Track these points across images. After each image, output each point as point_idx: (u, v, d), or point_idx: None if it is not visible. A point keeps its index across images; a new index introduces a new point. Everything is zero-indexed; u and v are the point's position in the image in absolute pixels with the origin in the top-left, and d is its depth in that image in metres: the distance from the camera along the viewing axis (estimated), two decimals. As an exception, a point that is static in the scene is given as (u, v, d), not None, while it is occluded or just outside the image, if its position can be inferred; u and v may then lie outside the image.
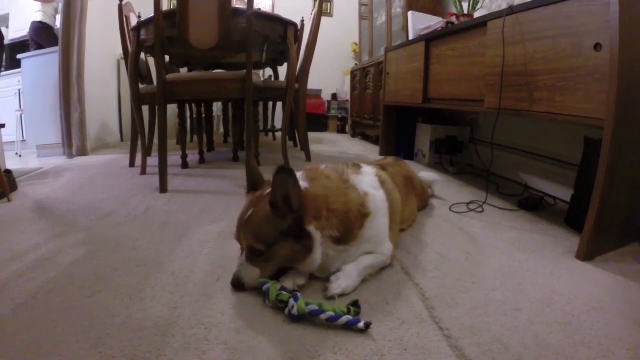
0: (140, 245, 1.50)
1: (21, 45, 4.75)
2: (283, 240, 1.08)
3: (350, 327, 0.95)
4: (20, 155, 4.19)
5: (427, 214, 1.92)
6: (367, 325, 0.94)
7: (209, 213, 1.91)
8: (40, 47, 4.17)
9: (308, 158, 3.34)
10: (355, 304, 1.02)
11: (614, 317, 1.03)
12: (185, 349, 0.89)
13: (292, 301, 0.99)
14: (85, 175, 2.83)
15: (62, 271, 1.27)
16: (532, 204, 2.00)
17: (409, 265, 1.33)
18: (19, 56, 4.12)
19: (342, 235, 1.15)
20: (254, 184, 1.24)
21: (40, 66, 3.98)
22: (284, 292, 1.04)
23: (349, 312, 0.98)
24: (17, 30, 4.98)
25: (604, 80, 1.33)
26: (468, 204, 2.05)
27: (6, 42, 4.92)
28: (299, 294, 1.02)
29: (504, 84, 1.86)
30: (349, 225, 1.17)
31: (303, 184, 1.14)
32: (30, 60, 4.06)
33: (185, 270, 1.29)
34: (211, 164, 3.22)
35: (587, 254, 1.39)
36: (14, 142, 4.37)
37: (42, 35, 4.26)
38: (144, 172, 2.80)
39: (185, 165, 2.99)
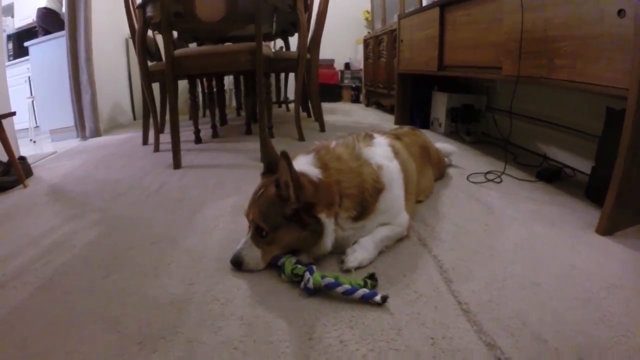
0: (154, 223, 1.51)
1: (28, 33, 4.75)
2: (287, 225, 1.06)
3: (366, 300, 0.93)
4: (34, 141, 4.24)
5: (444, 184, 1.88)
6: (384, 299, 0.93)
7: (223, 187, 1.90)
8: (47, 33, 4.15)
9: (322, 129, 3.30)
10: (372, 276, 1.00)
11: (634, 295, 0.99)
12: (201, 325, 0.89)
13: (307, 274, 0.97)
14: (98, 156, 2.84)
15: (78, 253, 1.29)
16: (550, 175, 1.94)
17: (426, 237, 1.31)
18: (26, 43, 4.13)
19: (358, 213, 1.14)
20: (270, 165, 1.19)
21: (48, 52, 3.99)
22: (300, 266, 1.03)
23: (365, 285, 0.97)
24: (22, 19, 4.97)
25: (628, 48, 1.24)
26: (486, 174, 2.00)
27: (12, 31, 4.95)
28: (314, 267, 1.00)
29: (522, 50, 1.78)
30: (364, 203, 1.15)
31: (314, 170, 1.12)
32: (37, 47, 4.07)
33: (200, 246, 1.29)
34: (224, 138, 3.21)
35: (607, 229, 1.33)
36: (27, 128, 4.42)
37: (48, 21, 4.24)
38: (157, 149, 2.80)
39: (198, 140, 2.98)
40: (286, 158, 0.98)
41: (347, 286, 0.94)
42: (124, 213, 1.64)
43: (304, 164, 1.15)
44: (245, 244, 1.11)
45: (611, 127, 1.62)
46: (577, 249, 1.22)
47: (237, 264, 1.11)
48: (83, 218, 1.60)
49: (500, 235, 1.33)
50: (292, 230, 1.06)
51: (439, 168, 1.92)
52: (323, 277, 0.96)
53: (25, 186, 2.12)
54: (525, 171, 2.06)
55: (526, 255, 1.19)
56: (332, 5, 3.37)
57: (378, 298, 0.92)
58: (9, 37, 5.11)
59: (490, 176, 1.96)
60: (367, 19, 6.21)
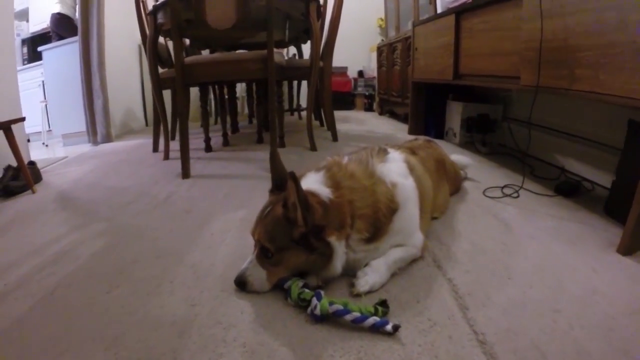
0: (160, 235, 1.48)
1: (42, 38, 4.80)
2: (294, 248, 1.01)
3: (377, 329, 0.88)
4: (46, 145, 4.28)
5: (459, 199, 1.82)
6: (396, 328, 0.87)
7: (232, 198, 1.86)
8: (61, 38, 4.19)
9: (334, 138, 3.25)
10: (384, 303, 0.94)
11: (657, 323, 0.93)
12: (202, 351, 0.85)
13: (314, 300, 0.92)
14: (108, 162, 2.84)
15: (82, 264, 1.26)
16: (569, 189, 1.86)
17: (441, 257, 1.25)
18: (39, 48, 4.17)
19: (371, 235, 1.09)
20: (278, 182, 1.13)
21: (61, 57, 4.01)
22: (307, 290, 0.97)
23: (376, 313, 0.91)
24: (37, 23, 5.03)
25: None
26: (502, 187, 1.93)
27: (27, 35, 5.02)
28: (322, 292, 0.95)
29: (541, 59, 1.71)
30: (378, 224, 1.09)
31: (325, 190, 1.06)
32: (51, 52, 4.10)
33: (205, 263, 1.24)
34: (235, 146, 3.18)
35: (628, 249, 1.26)
36: (40, 132, 4.45)
37: (62, 27, 4.27)
38: (166, 157, 2.78)
39: (208, 148, 2.96)
40: (294, 180, 0.93)
41: (356, 314, 0.89)
42: (131, 223, 1.61)
43: (314, 182, 1.09)
44: (250, 264, 1.06)
45: (633, 140, 1.55)
46: (598, 271, 1.16)
47: (241, 284, 1.06)
48: (89, 227, 1.58)
49: (518, 255, 1.27)
50: (300, 253, 1.01)
51: (455, 182, 1.85)
52: (331, 303, 0.91)
53: (33, 192, 2.12)
54: (542, 184, 1.99)
55: (545, 278, 1.13)
56: (346, 13, 3.32)
57: (389, 327, 0.87)
58: (24, 41, 5.19)
59: (507, 190, 1.90)
60: (380, 26, 6.16)
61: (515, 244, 1.35)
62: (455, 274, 1.15)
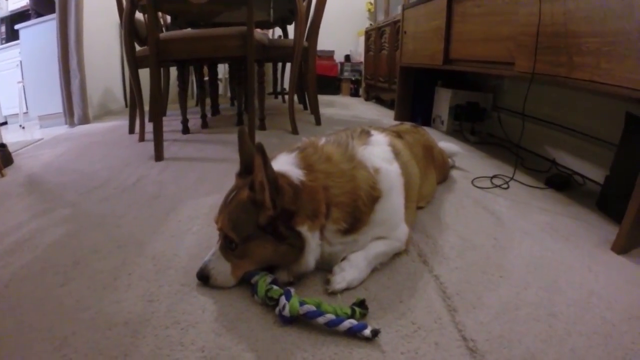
0: (124, 222, 1.37)
1: (21, 16, 4.59)
2: (261, 237, 0.89)
3: (354, 333, 0.78)
4: (23, 127, 4.12)
5: (447, 188, 1.73)
6: (375, 333, 0.77)
7: (204, 183, 1.76)
8: (40, 16, 3.99)
9: (318, 122, 3.16)
10: (362, 304, 0.84)
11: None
12: (155, 355, 0.75)
13: (283, 299, 0.82)
14: (82, 144, 2.71)
15: (40, 254, 1.17)
16: (560, 182, 1.80)
17: (427, 252, 1.15)
18: (16, 26, 3.98)
19: (349, 225, 0.97)
20: (246, 165, 1.01)
21: (39, 35, 3.83)
22: (275, 287, 0.87)
23: (353, 314, 0.81)
24: (16, 1, 4.80)
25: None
26: (492, 178, 1.85)
27: (5, 13, 4.81)
28: (292, 290, 0.85)
29: (538, 45, 1.62)
30: (357, 213, 0.98)
31: (297, 172, 0.94)
32: (28, 30, 3.92)
33: (168, 253, 1.14)
34: (214, 129, 3.07)
35: (624, 247, 1.21)
36: (17, 114, 4.28)
37: (41, 4, 4.07)
38: (142, 138, 2.65)
39: (185, 130, 2.84)
40: (261, 153, 0.81)
41: (330, 316, 0.78)
42: (95, 209, 1.50)
43: (285, 163, 0.97)
44: (213, 256, 0.95)
45: (631, 134, 1.49)
46: (595, 271, 1.09)
47: (204, 278, 0.95)
48: (53, 213, 1.47)
49: (511, 251, 1.18)
50: (267, 243, 0.90)
51: (443, 170, 1.76)
52: (302, 303, 0.80)
53: (2, 175, 2.01)
54: (533, 177, 1.92)
55: (541, 278, 1.05)
56: (335, -4, 3.23)
57: (367, 332, 0.77)
58: (2, 19, 4.96)
59: (496, 181, 1.82)
60: (369, 10, 6.04)
61: (508, 239, 1.26)
62: (442, 270, 1.05)
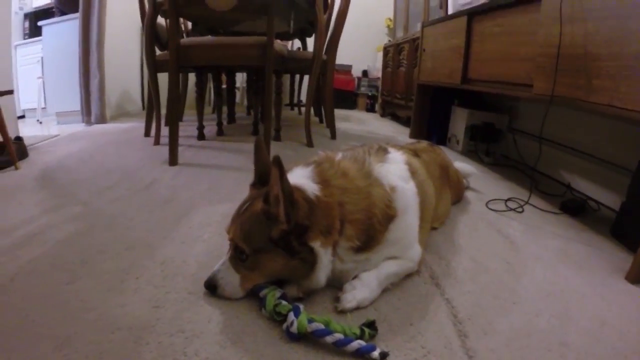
0: (135, 225, 1.36)
1: (45, 13, 4.66)
2: (272, 250, 0.88)
3: (362, 355, 0.76)
4: (40, 122, 4.17)
5: (461, 209, 1.71)
6: (384, 356, 0.75)
7: (217, 190, 1.75)
8: (63, 14, 4.05)
9: (333, 136, 3.15)
10: (372, 325, 0.82)
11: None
12: (158, 363, 0.73)
13: (291, 315, 0.80)
14: (98, 143, 2.73)
15: (48, 250, 1.16)
16: (575, 208, 1.77)
17: (440, 274, 1.13)
18: (39, 23, 4.03)
19: (363, 243, 0.95)
20: (261, 176, 1.00)
21: (61, 33, 3.88)
22: (284, 302, 0.85)
23: (362, 335, 0.79)
24: (40, -2, 4.89)
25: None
26: (506, 201, 1.83)
27: (30, 10, 4.89)
28: (301, 307, 0.83)
29: (557, 67, 1.60)
30: (371, 232, 0.96)
31: (312, 186, 0.93)
32: (51, 27, 3.97)
33: (177, 260, 1.12)
34: (229, 137, 3.07)
35: (638, 277, 1.18)
36: (35, 109, 4.33)
37: (65, 2, 4.13)
38: (157, 142, 2.66)
39: (201, 136, 2.84)
40: (279, 165, 0.80)
41: (339, 335, 0.76)
42: (106, 209, 1.50)
43: (300, 176, 0.96)
44: (222, 266, 0.94)
45: None
46: (608, 300, 1.07)
47: (212, 287, 0.94)
48: (64, 210, 1.47)
49: (524, 277, 1.15)
50: (278, 257, 0.88)
51: (458, 191, 1.74)
52: (311, 320, 0.79)
53: (17, 168, 2.02)
54: (547, 201, 1.89)
55: (553, 305, 1.02)
56: (354, 11, 3.23)
57: (376, 354, 0.74)
58: (26, 15, 5.04)
59: (511, 204, 1.79)
60: (388, 26, 6.06)
61: (521, 264, 1.24)
62: (454, 293, 1.03)
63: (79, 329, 0.82)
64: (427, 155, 1.44)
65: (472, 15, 2.47)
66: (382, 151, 1.15)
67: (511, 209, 1.74)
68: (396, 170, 1.08)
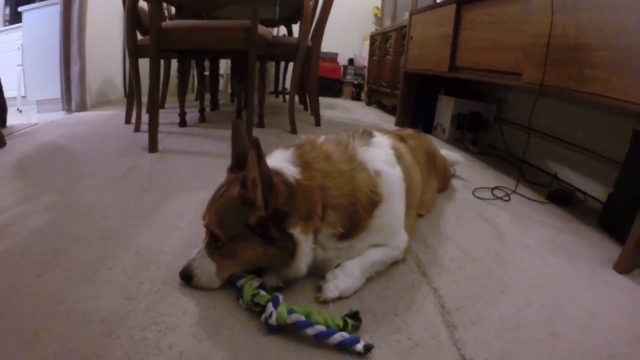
0: (110, 213, 1.31)
1: (26, -1, 4.54)
2: (249, 237, 0.83)
3: (345, 347, 0.72)
4: (20, 111, 4.06)
5: (447, 197, 1.68)
6: (368, 348, 0.71)
7: (196, 177, 1.71)
8: (45, -1, 3.95)
9: (317, 123, 3.12)
10: (355, 315, 0.78)
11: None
12: (129, 358, 0.70)
13: (270, 306, 0.76)
14: (77, 131, 2.65)
15: (20, 241, 1.10)
16: (562, 198, 1.77)
17: (426, 262, 1.10)
18: (20, 8, 3.91)
19: (346, 230, 0.91)
20: (239, 160, 0.94)
21: (42, 19, 3.77)
22: (262, 292, 0.81)
23: (345, 326, 0.75)
24: (22, -17, 4.76)
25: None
26: (493, 189, 1.81)
27: (11, -5, 4.77)
28: (280, 297, 0.78)
29: (548, 56, 1.58)
30: (355, 218, 0.92)
31: (292, 169, 0.88)
32: (31, 13, 3.86)
33: (153, 249, 1.07)
34: (211, 123, 3.01)
35: (626, 267, 1.19)
36: (15, 97, 4.21)
37: None
38: (137, 129, 2.59)
39: (182, 123, 2.79)
40: (257, 148, 0.75)
41: (321, 327, 0.72)
42: (82, 198, 1.44)
43: (280, 159, 0.91)
44: (198, 254, 0.89)
45: (637, 152, 1.45)
46: (597, 290, 1.07)
47: (187, 277, 0.89)
48: (38, 199, 1.41)
49: (513, 266, 1.14)
50: (256, 244, 0.83)
51: (444, 178, 1.71)
52: (291, 311, 0.74)
53: (-7, 158, 1.94)
54: (534, 190, 1.89)
55: (542, 295, 1.01)
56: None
57: (360, 346, 0.71)
58: (7, 1, 4.90)
59: (497, 192, 1.77)
60: (376, 15, 6.03)
61: (509, 253, 1.22)
62: (441, 283, 1.00)
63: (49, 322, 0.77)
64: (414, 142, 1.40)
65: (461, 3, 2.45)
66: (367, 135, 1.11)
67: (498, 197, 1.73)
68: (381, 155, 1.04)
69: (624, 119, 1.70)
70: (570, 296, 1.02)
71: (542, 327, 0.87)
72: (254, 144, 0.75)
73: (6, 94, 2.87)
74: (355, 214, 0.91)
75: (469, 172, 2.10)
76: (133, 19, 2.36)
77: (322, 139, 1.04)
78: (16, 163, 1.86)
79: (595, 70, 1.37)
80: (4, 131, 2.32)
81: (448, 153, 1.94)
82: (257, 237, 0.83)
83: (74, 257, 1.02)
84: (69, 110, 3.61)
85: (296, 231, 0.83)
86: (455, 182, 1.89)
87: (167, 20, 3.42)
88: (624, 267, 1.18)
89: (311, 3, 2.73)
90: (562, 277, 1.12)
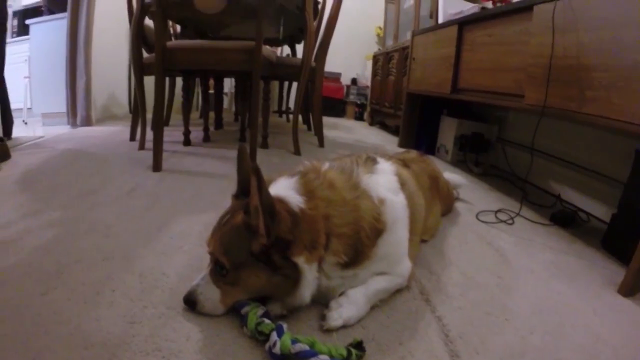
0: (113, 233, 1.31)
1: (34, 11, 4.60)
2: (254, 265, 0.83)
3: (348, 377, 0.71)
4: (26, 123, 4.08)
5: (451, 221, 1.68)
6: (372, 379, 0.71)
7: (200, 199, 1.70)
8: (52, 13, 3.99)
9: (321, 144, 3.13)
10: (359, 345, 0.78)
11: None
12: (132, 384, 0.68)
13: (274, 335, 0.76)
14: (82, 146, 2.66)
15: (23, 258, 1.10)
16: (565, 219, 1.76)
17: (430, 289, 1.09)
18: (27, 21, 3.97)
19: (350, 259, 0.91)
20: (243, 185, 0.94)
21: (49, 32, 3.82)
22: (267, 321, 0.80)
23: (349, 356, 0.75)
24: (30, -4, 4.82)
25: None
26: (496, 212, 1.81)
27: (19, 8, 4.83)
28: (284, 326, 0.78)
29: (550, 78, 1.59)
30: (359, 246, 0.91)
31: (297, 198, 0.88)
32: (38, 26, 3.91)
33: (156, 272, 1.07)
34: (216, 143, 3.02)
35: (631, 290, 1.18)
36: (22, 109, 4.24)
37: (54, 1, 4.07)
38: (142, 147, 2.60)
39: (187, 142, 2.79)
40: (257, 175, 0.75)
41: (325, 357, 0.72)
42: (86, 215, 1.44)
43: (284, 187, 0.91)
44: (202, 280, 0.89)
45: None
46: (601, 314, 1.06)
47: (191, 303, 0.89)
48: (42, 215, 1.41)
49: (516, 291, 1.13)
50: (261, 272, 0.83)
51: (448, 202, 1.71)
52: (295, 341, 0.74)
53: (-2, 170, 1.95)
54: (537, 212, 1.89)
55: (546, 321, 1.00)
56: (344, 19, 3.22)
57: (364, 377, 0.71)
58: (15, 13, 4.97)
59: (501, 215, 1.77)
60: (378, 35, 6.07)
61: (513, 278, 1.22)
62: (445, 310, 0.99)
63: (51, 343, 0.77)
64: (417, 166, 1.41)
65: (462, 24, 2.47)
66: (371, 161, 1.11)
67: (501, 221, 1.72)
68: (385, 182, 1.04)
69: (627, 139, 1.71)
70: (574, 321, 1.01)
71: (546, 354, 0.87)
72: (254, 170, 0.76)
73: (12, 106, 2.90)
74: (359, 243, 0.91)
75: (472, 194, 2.10)
76: (139, 36, 2.38)
77: (326, 166, 1.04)
78: (20, 177, 1.87)
79: (596, 91, 1.38)
80: (9, 143, 2.33)
81: (451, 176, 1.94)
82: (262, 264, 0.83)
83: (78, 277, 1.02)
84: (74, 124, 3.63)
85: (300, 260, 0.83)
86: (459, 205, 1.89)
87: (172, 38, 3.46)
88: (628, 289, 1.17)
89: (315, 23, 2.76)
90: (566, 301, 1.11)
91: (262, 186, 0.77)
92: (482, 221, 1.71)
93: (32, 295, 0.92)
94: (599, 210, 1.86)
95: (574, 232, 1.67)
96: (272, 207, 0.80)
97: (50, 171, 2.00)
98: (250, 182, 0.81)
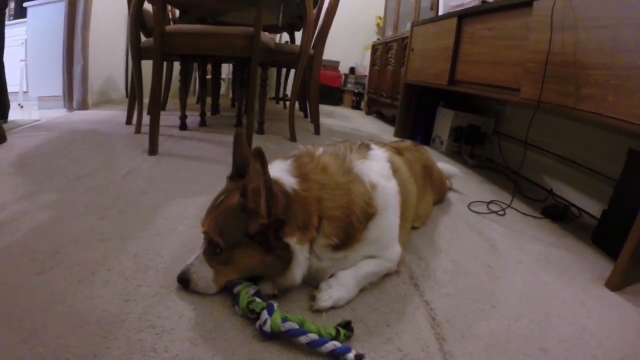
0: (109, 215, 1.32)
1: (32, -6, 4.56)
2: (248, 245, 0.85)
3: (336, 356, 0.74)
4: (22, 106, 4.05)
5: (443, 210, 1.70)
6: (359, 358, 0.73)
7: (195, 182, 1.72)
8: (52, -5, 3.96)
9: (317, 131, 3.14)
10: (347, 325, 0.80)
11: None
12: (126, 359, 0.70)
13: (265, 313, 0.77)
14: (78, 130, 2.65)
15: (19, 238, 1.11)
16: (556, 213, 1.78)
17: (419, 275, 1.12)
18: (25, 4, 3.93)
19: (341, 241, 0.93)
20: (239, 169, 0.96)
21: (46, 15, 3.79)
22: (258, 300, 0.82)
23: (337, 336, 0.77)
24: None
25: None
26: (488, 203, 1.83)
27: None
28: (275, 305, 0.80)
29: (546, 73, 1.60)
30: (350, 229, 0.93)
31: (290, 179, 0.90)
32: (36, 9, 3.87)
33: (151, 252, 1.09)
34: (212, 128, 3.02)
35: (618, 284, 1.20)
36: (17, 92, 4.21)
37: None
38: (138, 130, 2.60)
39: (183, 126, 2.80)
40: (261, 158, 0.77)
41: (313, 335, 0.74)
42: (82, 198, 1.45)
43: (278, 169, 0.93)
44: (196, 260, 0.91)
45: (632, 170, 1.48)
46: (588, 307, 1.07)
47: (184, 281, 0.90)
48: (38, 197, 1.42)
49: (505, 280, 1.15)
50: (254, 252, 0.85)
51: (440, 191, 1.73)
52: (285, 319, 0.76)
53: (-7, 152, 1.95)
54: (529, 205, 1.91)
55: (533, 310, 1.02)
56: (344, 7, 3.21)
57: (351, 355, 0.73)
58: (12, -4, 4.92)
59: (493, 207, 1.79)
60: (378, 24, 6.06)
61: (501, 267, 1.23)
62: (433, 295, 1.02)
63: (47, 321, 0.78)
64: (411, 154, 1.42)
65: (462, 17, 2.47)
66: (365, 148, 1.13)
67: (493, 212, 1.74)
68: (378, 168, 1.06)
69: (621, 137, 1.73)
70: (560, 312, 1.03)
71: (531, 342, 0.88)
72: (258, 153, 0.77)
73: (8, 89, 2.90)
74: (350, 226, 0.93)
75: (465, 185, 2.12)
76: (137, 20, 2.37)
77: (320, 150, 1.05)
78: (16, 159, 1.87)
79: (592, 88, 1.39)
80: (5, 126, 2.33)
81: (445, 166, 1.96)
82: (256, 245, 0.84)
83: (73, 257, 1.03)
84: (70, 108, 3.61)
85: (292, 241, 0.84)
86: (451, 195, 1.91)
87: (171, 23, 3.45)
88: (615, 284, 1.19)
89: (314, 10, 2.75)
90: (554, 292, 1.13)
91: (266, 168, 0.78)
92: (474, 211, 1.73)
93: (28, 275, 0.94)
94: (591, 206, 1.88)
95: (565, 227, 1.69)
96: (272, 189, 0.81)
97: (46, 154, 2.00)
98: (246, 165, 0.83)
